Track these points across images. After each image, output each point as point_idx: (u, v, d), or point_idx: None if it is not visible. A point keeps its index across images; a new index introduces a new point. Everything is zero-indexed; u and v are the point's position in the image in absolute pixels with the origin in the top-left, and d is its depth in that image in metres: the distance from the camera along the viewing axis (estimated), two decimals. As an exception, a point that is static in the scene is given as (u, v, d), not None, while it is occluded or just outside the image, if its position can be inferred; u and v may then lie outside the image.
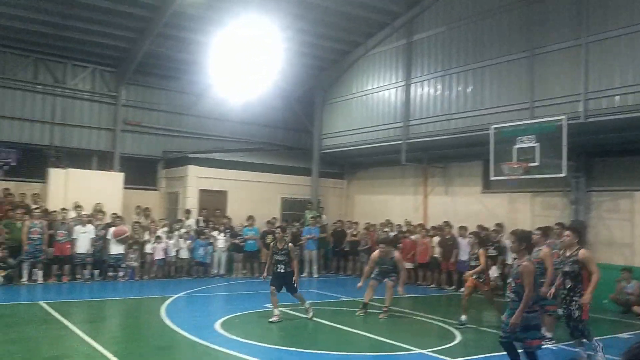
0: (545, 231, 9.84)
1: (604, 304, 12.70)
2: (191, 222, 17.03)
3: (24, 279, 13.58)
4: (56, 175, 16.33)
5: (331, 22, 17.26)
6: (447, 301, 14.03)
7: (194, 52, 17.76)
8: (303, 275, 17.71)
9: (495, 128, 13.99)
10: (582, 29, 12.75)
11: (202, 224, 17.17)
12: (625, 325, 11.29)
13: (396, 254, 11.71)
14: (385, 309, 11.02)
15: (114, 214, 15.75)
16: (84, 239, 14.48)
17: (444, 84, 16.18)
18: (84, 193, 15.89)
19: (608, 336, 9.66)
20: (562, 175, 12.67)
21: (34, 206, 15.03)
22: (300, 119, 21.77)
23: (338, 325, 9.95)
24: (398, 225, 17.66)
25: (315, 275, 17.78)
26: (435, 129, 16.33)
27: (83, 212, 15.13)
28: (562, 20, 13.33)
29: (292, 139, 22.31)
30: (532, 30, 13.87)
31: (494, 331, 10.29)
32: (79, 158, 17.89)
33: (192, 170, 18.26)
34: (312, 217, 18.69)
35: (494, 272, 14.98)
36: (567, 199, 14.15)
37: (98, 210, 15.66)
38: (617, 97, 12.12)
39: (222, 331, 9.09)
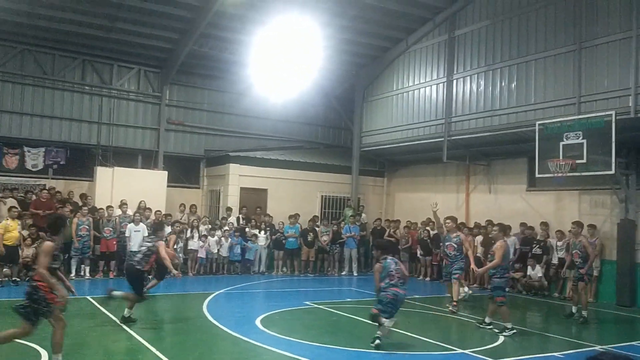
0: (503, 228, 11.23)
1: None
2: (232, 220, 17.24)
3: (72, 274, 14.05)
4: (103, 174, 16.82)
5: (371, 18, 17.13)
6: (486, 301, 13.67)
7: (235, 51, 17.97)
8: (343, 273, 17.72)
9: (541, 124, 13.61)
10: (633, 21, 12.26)
11: (242, 222, 17.35)
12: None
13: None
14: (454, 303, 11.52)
15: (158, 211, 16.07)
16: (136, 238, 14.77)
17: (487, 79, 15.84)
18: (130, 191, 16.29)
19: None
20: (611, 172, 12.25)
21: (82, 204, 15.50)
22: (341, 116, 21.73)
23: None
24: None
25: (355, 274, 17.73)
26: (477, 126, 16.01)
27: (128, 210, 15.50)
28: (611, 11, 12.85)
29: (332, 137, 22.30)
30: (580, 22, 13.42)
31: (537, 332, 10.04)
32: (125, 157, 18.37)
33: (233, 169, 18.48)
34: (352, 216, 18.64)
35: (538, 271, 14.64)
36: (617, 197, 13.62)
37: (143, 208, 16.01)
38: (671, 91, 11.60)
39: (262, 327, 9.17)
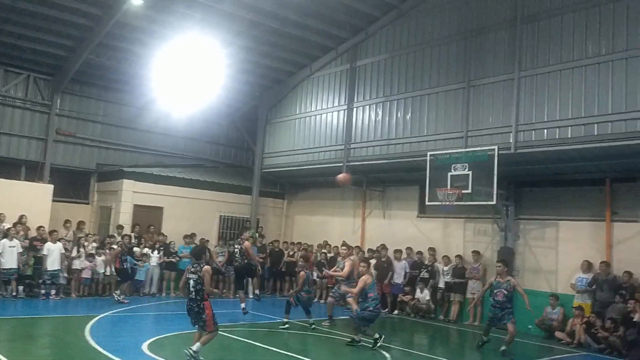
0: (349, 248, 14.44)
1: (529, 329, 13.18)
2: (125, 238, 16.43)
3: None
4: (-21, 185, 15.47)
5: (275, 42, 17.35)
6: (379, 323, 14.08)
7: (135, 64, 17.42)
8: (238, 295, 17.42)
9: (432, 155, 14.40)
10: (515, 64, 13.39)
11: (134, 240, 16.60)
12: (547, 349, 11.74)
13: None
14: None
15: (40, 227, 15.03)
16: (10, 254, 13.71)
17: (385, 109, 16.54)
18: (9, 204, 15.09)
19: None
20: (493, 202, 13.17)
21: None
22: (243, 136, 21.66)
23: (270, 347, 9.83)
24: (335, 247, 17.74)
25: (251, 296, 17.50)
26: (375, 153, 16.62)
27: (4, 224, 14.38)
28: (497, 55, 13.96)
29: (234, 157, 22.14)
30: (469, 62, 14.44)
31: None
32: (6, 167, 17.03)
33: (127, 185, 17.73)
34: (250, 237, 18.47)
35: (426, 294, 15.32)
36: (497, 226, 14.67)
37: (22, 223, 14.91)
38: (545, 130, 12.75)
39: (148, 352, 8.78)
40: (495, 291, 10.94)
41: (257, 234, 18.61)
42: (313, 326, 12.09)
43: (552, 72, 12.77)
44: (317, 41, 17.62)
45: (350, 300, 11.58)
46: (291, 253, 18.41)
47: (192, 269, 8.28)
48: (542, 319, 13.17)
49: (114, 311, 12.93)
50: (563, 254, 13.69)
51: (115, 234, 16.48)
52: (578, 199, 13.78)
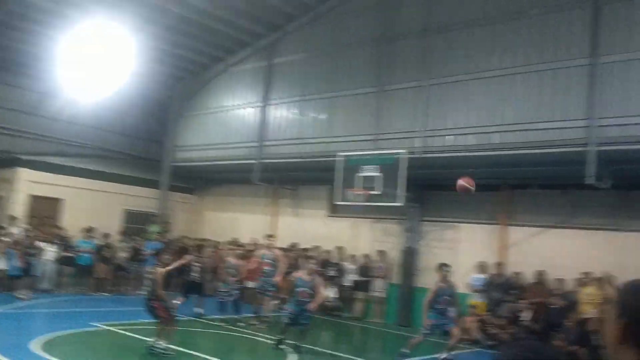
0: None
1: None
2: (17, 230, 15.38)
3: None
4: None
5: (189, 32, 16.90)
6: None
7: (40, 46, 16.30)
8: (141, 292, 16.83)
9: (343, 156, 14.65)
10: (425, 72, 13.92)
11: (29, 232, 15.57)
12: (444, 346, 12.30)
13: None
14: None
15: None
16: None
17: (300, 109, 16.63)
18: None
19: (427, 356, 10.45)
20: (399, 204, 13.62)
21: None
22: (153, 128, 20.90)
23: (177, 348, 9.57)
24: (245, 244, 17.62)
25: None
26: (288, 152, 16.65)
27: None
28: (408, 62, 14.44)
29: (143, 149, 21.27)
30: (382, 68, 14.82)
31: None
32: None
33: (22, 174, 16.60)
34: (157, 232, 17.93)
35: (332, 292, 15.57)
36: (403, 227, 15.19)
37: None
38: (449, 137, 13.37)
39: (40, 352, 8.27)
40: (439, 299, 10.21)
41: (156, 230, 18.07)
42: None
43: (459, 81, 13.38)
44: (234, 35, 17.37)
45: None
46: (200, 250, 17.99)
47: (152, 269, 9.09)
48: (440, 317, 13.78)
49: (5, 308, 12.05)
50: (461, 255, 14.40)
51: (7, 226, 15.37)
52: (477, 203, 14.55)
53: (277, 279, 12.63)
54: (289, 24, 16.99)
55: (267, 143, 17.25)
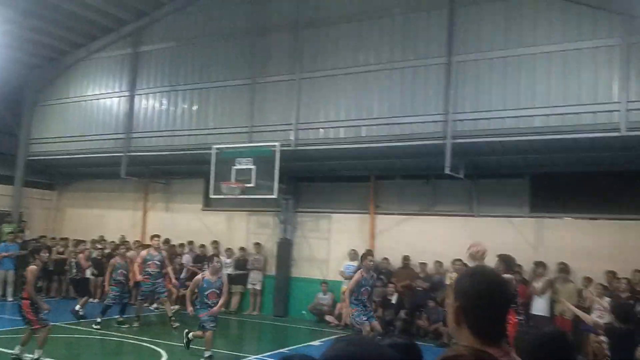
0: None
1: (303, 315, 14.12)
2: None
3: None
4: None
5: (48, 16, 15.57)
6: (159, 319, 13.71)
7: None
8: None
9: (217, 148, 14.43)
10: (297, 66, 14.11)
11: None
12: (319, 332, 12.70)
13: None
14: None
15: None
16: None
17: (170, 99, 16.06)
18: None
19: (303, 344, 10.71)
20: (274, 196, 13.72)
21: None
22: (5, 119, 18.99)
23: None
24: (112, 242, 16.75)
25: (10, 299, 15.52)
26: (158, 144, 16.03)
27: None
28: (280, 55, 14.53)
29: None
30: (255, 60, 14.76)
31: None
32: None
33: None
34: (10, 232, 16.39)
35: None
36: (278, 219, 15.36)
37: None
38: (321, 130, 13.71)
39: None
40: (361, 289, 9.55)
41: (9, 231, 16.57)
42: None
43: (329, 76, 13.74)
44: (95, 20, 16.28)
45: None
46: (60, 250, 16.79)
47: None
48: (314, 305, 14.20)
49: None
50: (334, 244, 14.92)
51: None
52: (348, 194, 15.16)
53: (174, 281, 12.48)
54: (156, 10, 16.31)
55: (135, 135, 16.46)
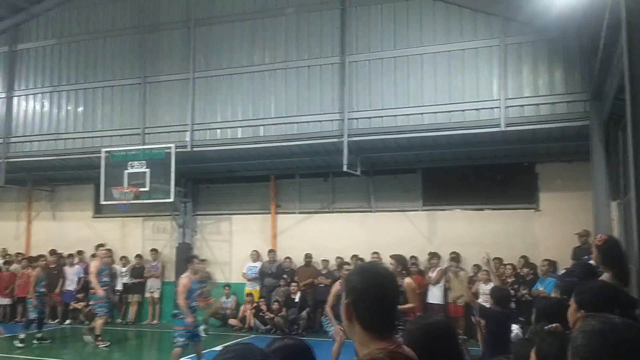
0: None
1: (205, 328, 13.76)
2: None
3: None
4: None
5: None
6: (50, 336, 12.76)
7: None
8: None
9: (107, 152, 13.70)
10: (190, 65, 13.69)
11: None
12: (223, 337, 12.44)
13: None
14: None
15: None
16: None
17: (53, 100, 14.97)
18: None
19: (207, 350, 10.43)
20: (171, 200, 13.27)
21: None
22: None
23: None
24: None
25: None
26: (41, 149, 14.90)
27: None
28: (173, 53, 14.03)
29: None
30: (145, 58, 14.13)
31: None
32: None
33: None
34: None
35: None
36: (176, 223, 14.86)
37: None
38: (218, 131, 13.43)
39: None
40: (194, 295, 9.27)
41: None
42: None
43: (224, 75, 13.47)
44: (-36, 15, 14.87)
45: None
46: None
47: None
48: (215, 309, 13.89)
49: None
50: (236, 246, 14.70)
51: None
52: (248, 194, 15.00)
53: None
54: (34, 5, 15.16)
55: (14, 139, 15.21)
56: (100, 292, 11.28)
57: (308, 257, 13.76)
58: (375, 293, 2.00)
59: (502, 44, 11.22)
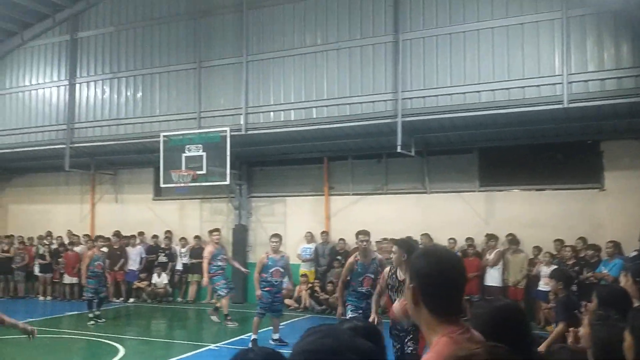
0: None
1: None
2: None
3: None
4: None
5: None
6: (114, 314, 13.38)
7: None
8: None
9: (165, 136, 14.06)
10: (243, 49, 13.80)
11: None
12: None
13: None
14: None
15: None
16: None
17: (113, 87, 15.47)
18: None
19: (264, 329, 10.63)
20: (226, 182, 13.52)
21: None
22: None
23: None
24: (59, 237, 16.19)
25: None
26: (103, 134, 15.47)
27: None
28: (226, 37, 14.19)
29: None
30: (199, 43, 14.36)
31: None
32: None
33: None
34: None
35: (163, 279, 15.07)
36: (232, 205, 15.15)
37: None
38: (271, 113, 13.52)
39: None
40: (270, 270, 9.55)
41: None
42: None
43: (277, 58, 13.52)
44: (29, 6, 15.47)
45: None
46: (5, 248, 16.10)
47: None
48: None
49: None
50: (290, 228, 14.82)
51: None
52: (302, 176, 15.08)
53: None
54: (92, -6, 15.63)
55: (78, 125, 15.84)
56: (206, 280, 11.61)
57: (362, 238, 13.70)
58: (441, 277, 1.98)
59: (564, 16, 10.71)
